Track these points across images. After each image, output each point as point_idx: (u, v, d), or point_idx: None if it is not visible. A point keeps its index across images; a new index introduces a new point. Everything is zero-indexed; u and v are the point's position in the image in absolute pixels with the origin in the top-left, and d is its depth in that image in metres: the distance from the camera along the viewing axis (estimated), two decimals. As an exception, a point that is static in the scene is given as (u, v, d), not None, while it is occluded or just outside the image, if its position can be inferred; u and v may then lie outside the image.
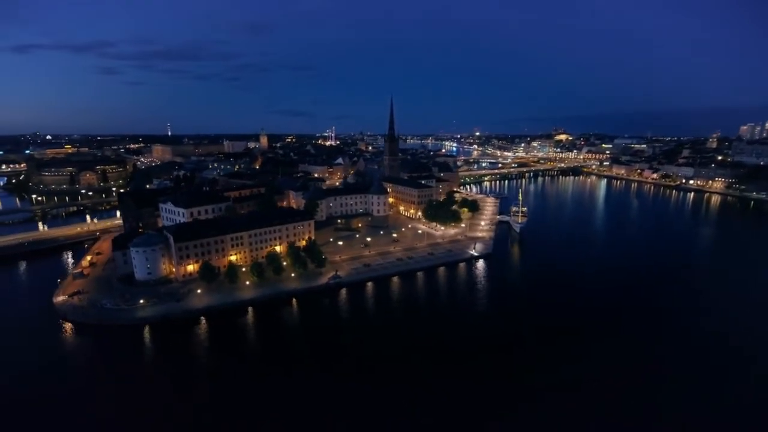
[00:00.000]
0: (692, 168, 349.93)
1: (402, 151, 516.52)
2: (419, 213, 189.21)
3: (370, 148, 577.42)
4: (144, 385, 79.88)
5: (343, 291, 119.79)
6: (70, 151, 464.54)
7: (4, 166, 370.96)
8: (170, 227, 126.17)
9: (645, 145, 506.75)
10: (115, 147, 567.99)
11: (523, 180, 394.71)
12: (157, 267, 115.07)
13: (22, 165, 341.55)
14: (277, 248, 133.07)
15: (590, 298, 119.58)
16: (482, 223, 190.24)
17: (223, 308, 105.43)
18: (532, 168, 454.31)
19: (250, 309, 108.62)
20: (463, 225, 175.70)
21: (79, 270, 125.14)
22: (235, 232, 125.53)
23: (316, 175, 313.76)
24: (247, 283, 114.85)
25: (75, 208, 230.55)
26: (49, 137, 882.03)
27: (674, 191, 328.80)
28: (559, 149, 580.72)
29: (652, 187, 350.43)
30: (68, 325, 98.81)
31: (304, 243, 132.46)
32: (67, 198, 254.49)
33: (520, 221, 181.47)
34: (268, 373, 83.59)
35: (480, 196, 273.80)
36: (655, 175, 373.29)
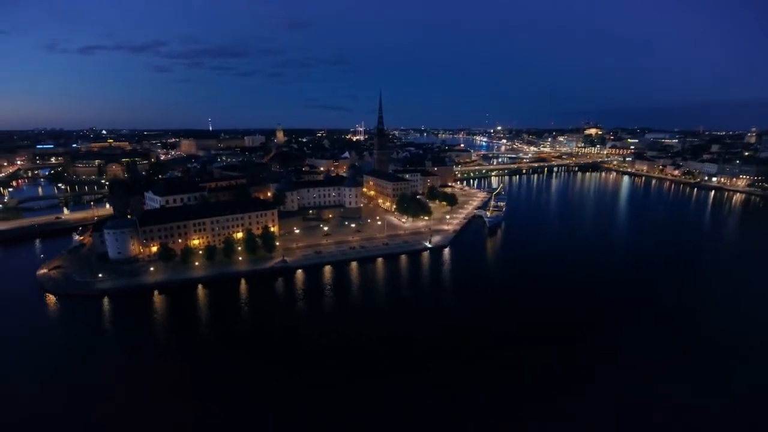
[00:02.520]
0: (716, 164, 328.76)
1: (417, 146, 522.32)
2: (395, 206, 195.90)
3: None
4: (87, 344, 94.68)
5: (288, 275, 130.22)
6: (111, 144, 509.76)
7: (53, 159, 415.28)
8: (140, 213, 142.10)
9: (676, 140, 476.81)
10: (154, 141, 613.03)
11: (535, 176, 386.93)
12: (126, 247, 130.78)
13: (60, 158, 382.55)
14: (239, 234, 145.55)
15: (543, 295, 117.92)
16: (451, 216, 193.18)
17: (173, 284, 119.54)
18: (546, 164, 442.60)
19: (199, 286, 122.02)
20: (426, 218, 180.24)
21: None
22: (197, 219, 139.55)
23: (321, 169, 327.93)
24: (197, 263, 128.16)
25: (100, 195, 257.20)
26: (104, 132, 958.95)
27: (695, 189, 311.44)
28: (583, 144, 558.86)
29: (672, 185, 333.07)
30: (44, 293, 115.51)
31: (260, 231, 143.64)
32: (95, 187, 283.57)
33: (490, 215, 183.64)
34: (202, 340, 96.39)
35: (474, 190, 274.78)
36: (676, 172, 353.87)
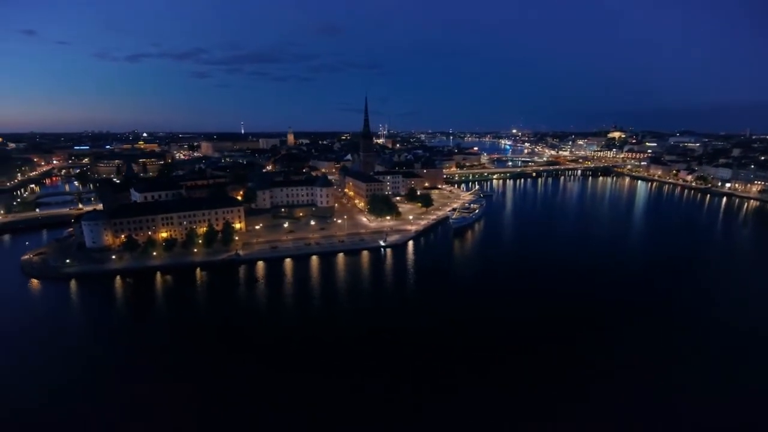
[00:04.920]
0: (730, 169, 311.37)
1: (427, 148, 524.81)
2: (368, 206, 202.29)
3: (398, 145, 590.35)
4: (45, 318, 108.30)
5: (238, 267, 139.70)
6: (142, 146, 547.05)
7: (86, 159, 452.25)
8: (112, 207, 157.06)
9: (698, 144, 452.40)
10: (183, 143, 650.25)
11: (540, 180, 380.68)
12: (100, 237, 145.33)
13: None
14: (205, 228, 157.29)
15: (500, 295, 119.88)
16: (422, 217, 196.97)
17: (134, 270, 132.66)
18: (554, 167, 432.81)
19: (158, 273, 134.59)
20: (389, 218, 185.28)
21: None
22: (165, 213, 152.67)
23: (323, 170, 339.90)
24: (155, 254, 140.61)
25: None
26: (145, 134, 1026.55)
27: (707, 195, 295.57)
28: (599, 148, 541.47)
29: (684, 191, 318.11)
30: (25, 276, 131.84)
31: (220, 226, 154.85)
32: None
33: (455, 217, 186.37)
34: (150, 320, 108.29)
35: (463, 193, 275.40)
36: (689, 177, 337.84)
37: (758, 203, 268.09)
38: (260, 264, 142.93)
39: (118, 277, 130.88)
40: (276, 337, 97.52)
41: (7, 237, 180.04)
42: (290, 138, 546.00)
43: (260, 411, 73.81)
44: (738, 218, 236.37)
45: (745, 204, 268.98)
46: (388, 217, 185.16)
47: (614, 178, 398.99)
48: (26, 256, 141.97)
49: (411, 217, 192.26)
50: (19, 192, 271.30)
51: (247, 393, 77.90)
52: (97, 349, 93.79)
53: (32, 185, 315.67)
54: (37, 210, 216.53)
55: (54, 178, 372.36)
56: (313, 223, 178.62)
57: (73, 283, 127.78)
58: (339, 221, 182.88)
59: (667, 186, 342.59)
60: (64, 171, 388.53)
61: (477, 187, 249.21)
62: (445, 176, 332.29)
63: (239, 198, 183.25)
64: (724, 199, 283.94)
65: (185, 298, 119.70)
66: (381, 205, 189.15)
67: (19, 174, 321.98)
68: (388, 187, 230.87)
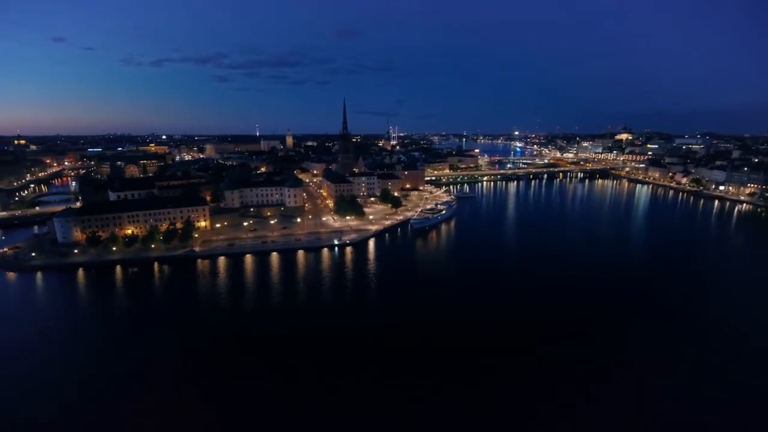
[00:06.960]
0: (724, 171, 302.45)
1: (426, 150, 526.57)
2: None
3: (397, 147, 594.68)
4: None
5: (191, 262, 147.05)
6: (152, 149, 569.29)
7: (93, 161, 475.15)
8: (85, 205, 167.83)
9: (701, 146, 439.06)
10: (190, 145, 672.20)
11: (534, 182, 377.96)
12: (69, 233, 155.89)
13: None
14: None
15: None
16: (387, 218, 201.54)
17: (95, 263, 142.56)
18: (548, 170, 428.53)
19: (117, 267, 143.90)
20: (349, 218, 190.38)
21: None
22: (131, 211, 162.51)
23: (314, 172, 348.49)
24: (115, 248, 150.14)
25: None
26: (164, 137, 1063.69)
27: (701, 199, 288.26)
28: (600, 150, 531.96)
29: (678, 194, 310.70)
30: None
31: (180, 224, 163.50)
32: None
33: (416, 217, 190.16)
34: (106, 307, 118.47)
35: (442, 194, 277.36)
36: (684, 180, 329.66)
37: (750, 207, 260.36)
38: (221, 259, 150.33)
39: (80, 270, 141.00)
40: (231, 330, 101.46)
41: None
42: (289, 140, 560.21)
43: (216, 401, 76.07)
44: (725, 221, 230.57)
45: (736, 207, 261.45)
46: (349, 217, 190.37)
47: (613, 181, 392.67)
48: (2, 250, 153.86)
49: (372, 217, 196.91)
50: (23, 191, 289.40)
51: (192, 382, 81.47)
52: (47, 329, 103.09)
53: (42, 185, 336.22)
54: (37, 208, 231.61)
55: (65, 179, 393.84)
56: (274, 222, 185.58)
57: (39, 275, 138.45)
58: (302, 220, 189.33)
59: (661, 189, 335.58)
60: (74, 172, 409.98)
61: (445, 188, 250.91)
62: (433, 178, 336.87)
63: (209, 198, 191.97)
64: (716, 202, 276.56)
65: (142, 290, 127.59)
66: (346, 205, 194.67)
67: (28, 174, 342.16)
68: (363, 188, 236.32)
